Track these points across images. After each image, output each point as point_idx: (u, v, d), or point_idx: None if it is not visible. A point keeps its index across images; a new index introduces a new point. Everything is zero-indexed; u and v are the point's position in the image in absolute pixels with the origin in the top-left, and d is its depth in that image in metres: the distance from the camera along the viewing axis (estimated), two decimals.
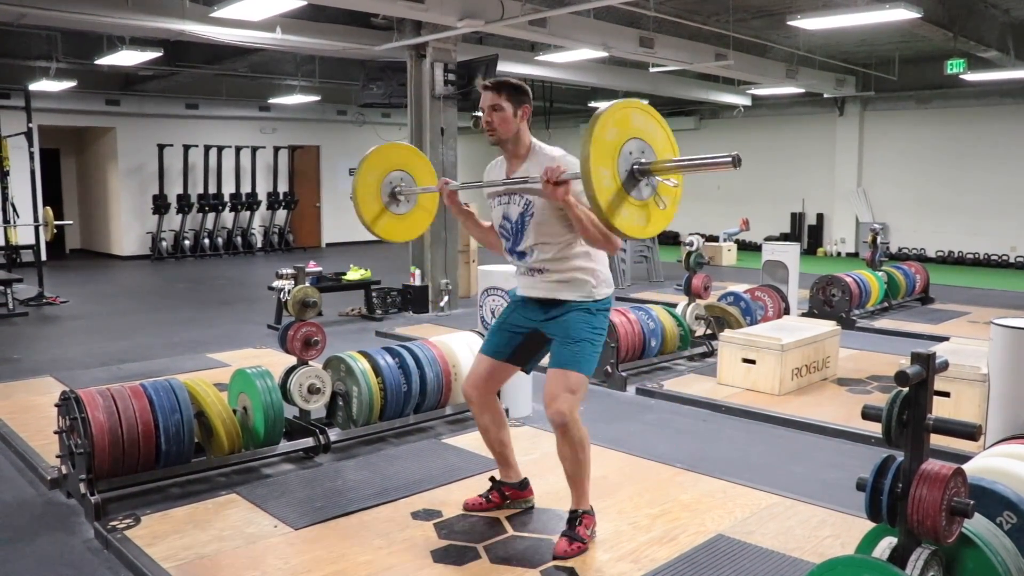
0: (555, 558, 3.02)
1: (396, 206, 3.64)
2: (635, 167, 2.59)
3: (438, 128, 8.87)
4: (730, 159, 2.47)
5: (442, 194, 3.36)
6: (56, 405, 3.69)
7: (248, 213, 16.10)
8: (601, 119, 2.54)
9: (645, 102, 2.74)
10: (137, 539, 3.19)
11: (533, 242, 3.07)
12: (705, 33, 10.19)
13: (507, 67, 10.56)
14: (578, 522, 3.11)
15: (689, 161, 2.60)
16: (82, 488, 3.44)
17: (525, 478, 3.49)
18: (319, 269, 8.63)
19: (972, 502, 1.97)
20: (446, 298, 8.93)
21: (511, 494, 3.46)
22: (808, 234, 16.24)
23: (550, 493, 3.55)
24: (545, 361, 3.21)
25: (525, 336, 3.22)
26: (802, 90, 13.53)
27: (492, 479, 3.50)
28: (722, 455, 4.34)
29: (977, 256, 14.15)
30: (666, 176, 2.68)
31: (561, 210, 2.93)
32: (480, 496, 3.48)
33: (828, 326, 6.02)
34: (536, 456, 4.02)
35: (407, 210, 3.67)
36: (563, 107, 17.00)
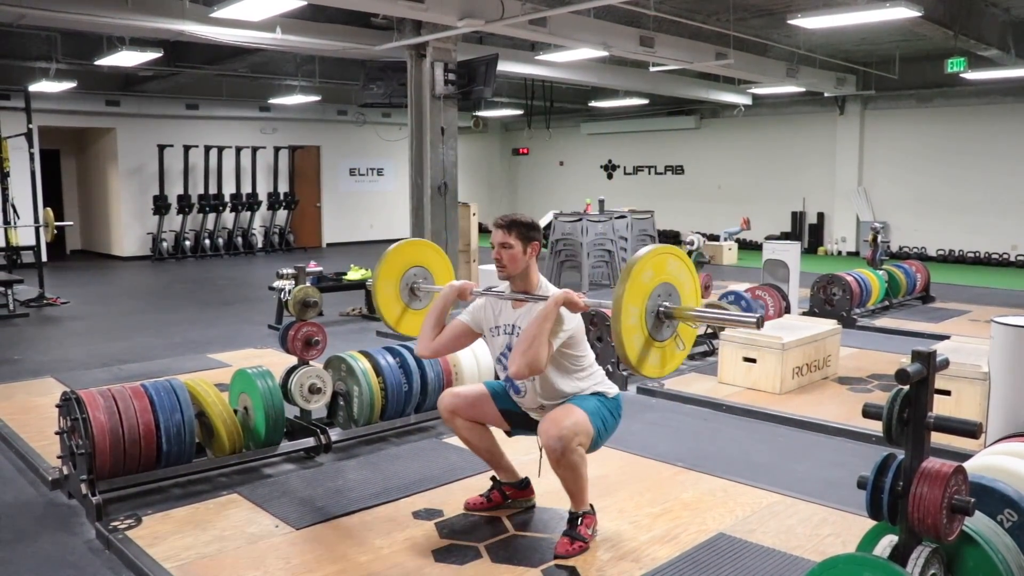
0: (556, 557, 3.02)
1: (416, 302, 3.74)
2: (661, 310, 2.74)
3: (438, 128, 8.87)
4: (755, 320, 2.60)
5: (461, 291, 3.37)
6: (57, 406, 3.69)
7: (248, 213, 16.09)
8: (628, 283, 2.66)
9: (680, 249, 2.91)
10: (138, 539, 3.19)
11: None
12: (705, 32, 10.19)
13: (507, 66, 10.56)
14: (579, 521, 3.12)
15: (712, 314, 2.70)
16: (83, 489, 3.45)
17: (526, 477, 3.49)
18: (320, 269, 8.63)
19: (973, 500, 1.97)
20: None
21: (512, 493, 3.48)
22: (809, 233, 16.23)
23: (551, 492, 3.55)
24: None
25: (525, 413, 3.29)
26: (802, 89, 13.52)
27: (493, 479, 3.51)
28: (723, 454, 4.34)
29: (978, 255, 14.14)
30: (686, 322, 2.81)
31: (555, 354, 3.00)
32: (481, 496, 3.49)
33: (829, 325, 6.02)
34: (536, 455, 4.01)
35: (426, 303, 3.75)
36: (563, 106, 17.00)
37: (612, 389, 3.20)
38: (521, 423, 3.32)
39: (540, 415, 3.14)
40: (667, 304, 2.76)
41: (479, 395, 3.34)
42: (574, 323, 3.05)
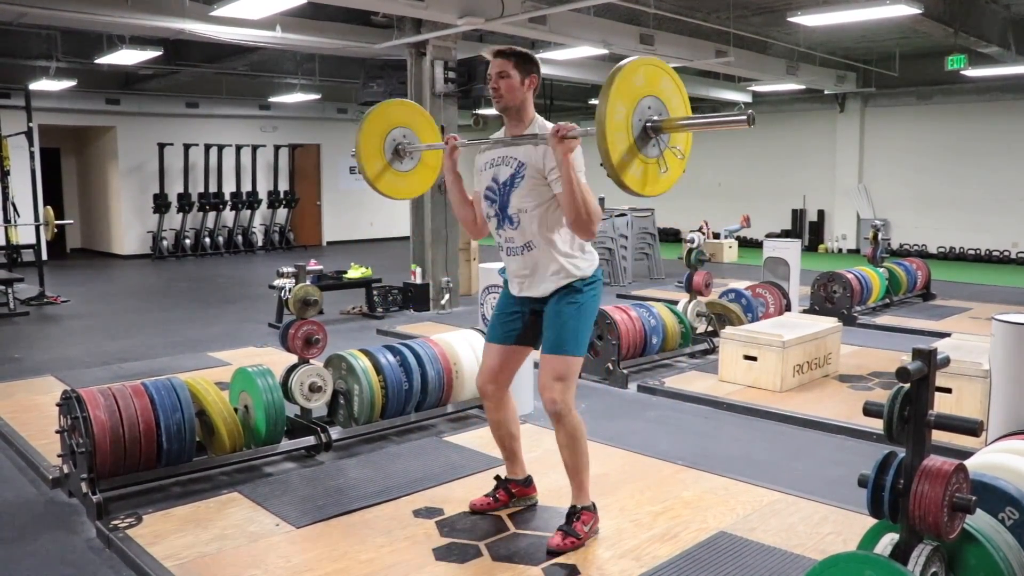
0: (548, 552, 3.02)
1: (399, 163, 3.65)
2: (648, 124, 2.61)
3: (439, 126, 8.84)
4: (744, 117, 2.45)
5: (447, 151, 3.33)
6: (57, 404, 3.69)
7: (249, 212, 16.10)
8: (622, 72, 2.55)
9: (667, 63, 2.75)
10: (139, 538, 3.19)
11: (517, 209, 3.05)
12: (705, 30, 10.18)
13: None
14: (576, 517, 3.11)
15: (701, 120, 2.60)
16: (84, 487, 3.45)
17: (529, 475, 3.49)
18: (320, 267, 8.63)
19: (974, 498, 1.97)
20: (447, 296, 8.93)
21: (517, 491, 3.45)
22: (809, 231, 16.23)
23: (552, 491, 3.55)
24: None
25: (525, 317, 3.22)
26: (803, 86, 13.52)
27: (497, 477, 3.50)
28: (724, 452, 4.34)
29: (978, 252, 14.14)
30: (675, 139, 2.68)
31: (547, 183, 2.96)
32: (487, 496, 3.46)
33: (829, 323, 6.01)
34: (538, 453, 4.02)
35: (410, 167, 3.69)
36: (563, 105, 16.98)
37: (591, 260, 3.12)
38: (533, 331, 3.23)
39: (520, 266, 3.10)
40: (655, 118, 2.62)
41: (495, 353, 3.27)
42: (582, 159, 2.96)
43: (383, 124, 3.63)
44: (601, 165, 2.61)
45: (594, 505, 3.19)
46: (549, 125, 3.04)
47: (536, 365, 3.20)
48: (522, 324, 3.23)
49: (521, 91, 3.05)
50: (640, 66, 2.65)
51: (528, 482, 3.48)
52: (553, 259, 3.05)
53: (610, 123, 2.52)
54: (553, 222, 3.04)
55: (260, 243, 16.25)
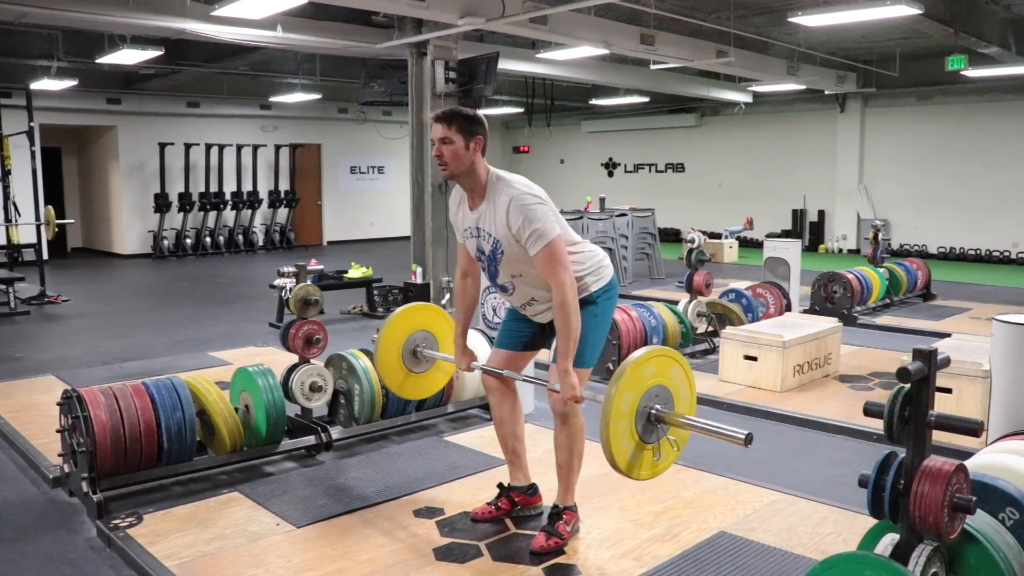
0: (532, 553, 3.02)
1: (416, 366, 3.64)
2: (652, 413, 2.66)
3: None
4: (743, 437, 2.50)
5: (460, 363, 3.35)
6: (58, 404, 3.69)
7: (249, 211, 16.10)
8: (635, 363, 2.60)
9: (679, 353, 2.82)
10: (139, 537, 3.19)
11: (510, 276, 3.06)
12: (706, 30, 10.17)
13: (508, 65, 10.55)
14: (558, 518, 3.11)
15: (701, 425, 2.65)
16: (84, 487, 3.45)
17: (534, 483, 3.41)
18: (320, 267, 8.63)
19: (974, 498, 1.97)
20: (447, 296, 8.92)
21: (520, 500, 3.38)
22: (809, 231, 16.22)
23: (552, 491, 3.53)
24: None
25: (536, 326, 3.23)
26: (803, 87, 13.51)
27: (500, 485, 3.43)
28: (724, 452, 4.33)
29: (979, 252, 14.13)
30: (674, 431, 2.74)
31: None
32: (489, 504, 3.40)
33: (830, 323, 6.01)
34: (538, 453, 4.01)
35: (425, 369, 3.67)
36: (564, 104, 16.98)
37: (601, 276, 3.10)
38: (542, 336, 3.25)
39: (536, 309, 3.11)
40: (659, 408, 2.68)
41: (503, 355, 3.28)
42: (549, 217, 2.89)
43: (403, 330, 3.58)
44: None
45: (575, 505, 3.19)
46: (509, 178, 2.97)
47: (536, 366, 3.21)
48: (531, 331, 3.24)
49: (467, 155, 2.92)
50: (653, 357, 2.69)
51: (533, 491, 3.39)
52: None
53: (615, 410, 2.56)
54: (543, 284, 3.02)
55: (261, 243, 16.25)
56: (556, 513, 3.13)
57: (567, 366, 2.86)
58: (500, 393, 3.31)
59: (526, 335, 3.25)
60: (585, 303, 3.03)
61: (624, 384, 2.58)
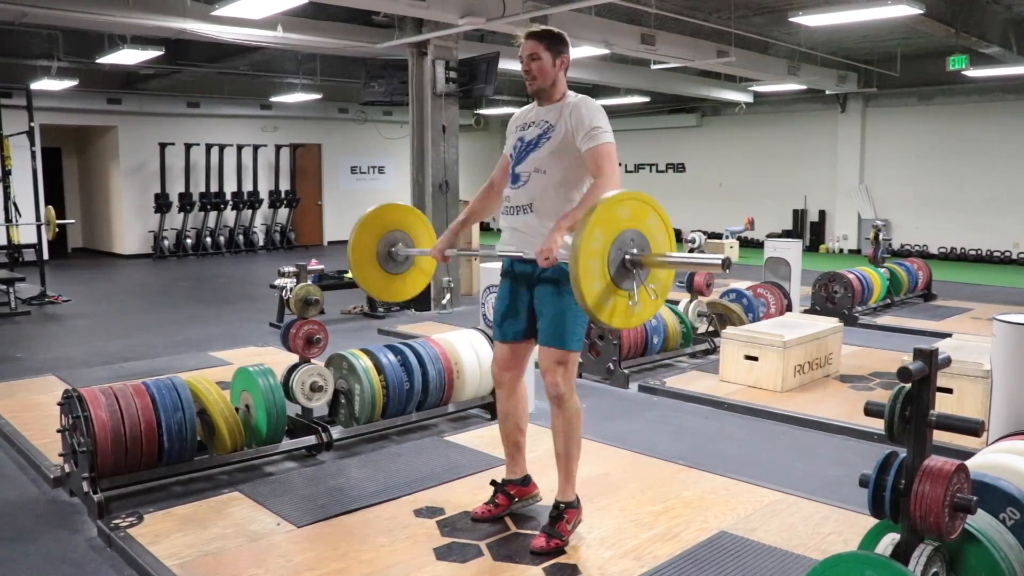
0: (532, 553, 3.02)
1: (390, 265, 3.60)
2: (627, 258, 2.62)
3: (440, 126, 8.87)
4: (720, 262, 2.50)
5: (436, 255, 3.39)
6: (59, 404, 3.69)
7: (250, 211, 16.10)
8: (593, 215, 2.54)
9: (647, 195, 2.76)
10: (140, 537, 3.19)
11: (533, 167, 3.08)
12: (706, 30, 10.18)
13: (509, 65, 10.54)
14: (559, 517, 3.11)
15: (679, 259, 2.63)
16: (85, 486, 3.45)
17: (527, 474, 3.44)
18: (321, 267, 8.63)
19: (975, 498, 1.97)
20: (448, 296, 8.93)
21: (516, 492, 3.40)
22: (810, 231, 16.23)
23: (553, 490, 3.54)
24: None
25: (525, 308, 3.21)
26: (804, 87, 13.51)
27: (494, 482, 3.44)
28: (724, 452, 4.34)
29: (979, 252, 14.13)
30: (654, 278, 2.70)
31: (571, 162, 3.02)
32: (486, 504, 3.40)
33: (830, 323, 6.01)
34: (539, 453, 4.01)
35: (404, 270, 3.63)
36: None
37: None
38: (532, 321, 3.24)
39: (519, 223, 3.11)
40: (635, 252, 2.63)
41: (504, 349, 3.29)
42: (602, 115, 3.08)
43: (378, 228, 3.55)
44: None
45: (578, 499, 3.18)
46: (580, 97, 3.11)
47: (537, 365, 3.21)
48: (524, 321, 3.22)
49: (553, 71, 3.10)
50: (627, 200, 2.65)
51: (527, 480, 3.43)
52: (545, 228, 3.02)
53: (585, 250, 2.51)
54: (561, 194, 3.04)
55: (261, 243, 16.25)
56: (558, 514, 3.12)
57: (562, 225, 2.88)
58: (509, 387, 3.32)
59: (521, 323, 3.23)
60: (565, 280, 2.93)
61: (595, 221, 2.53)
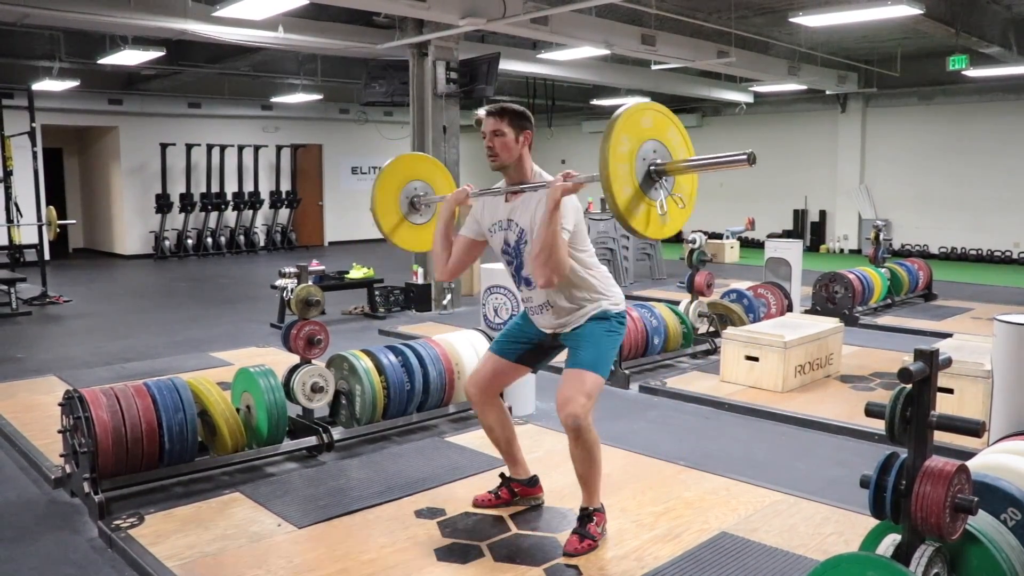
0: (565, 555, 3.02)
1: (415, 216, 3.67)
2: (651, 168, 2.64)
3: (440, 126, 8.88)
4: (745, 157, 2.51)
5: (458, 196, 3.32)
6: (60, 404, 3.70)
7: (251, 212, 16.11)
8: (619, 121, 2.56)
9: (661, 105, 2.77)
10: (141, 538, 3.19)
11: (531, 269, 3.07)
12: (707, 30, 10.17)
13: (509, 65, 10.56)
14: (589, 519, 3.11)
15: (703, 161, 2.63)
16: (86, 487, 3.45)
17: (535, 475, 3.49)
18: (322, 268, 8.64)
19: (976, 499, 1.97)
20: (449, 296, 8.93)
21: (520, 490, 3.47)
22: (811, 231, 16.22)
23: (554, 491, 3.56)
24: (559, 359, 3.22)
25: (536, 345, 3.25)
26: (804, 87, 13.51)
27: (502, 475, 3.51)
28: (725, 452, 4.34)
29: (980, 252, 14.13)
30: (680, 187, 2.72)
31: None
32: (489, 492, 3.49)
33: (831, 323, 6.01)
34: (540, 454, 4.02)
35: (426, 220, 3.69)
36: (565, 105, 16.97)
37: (618, 302, 3.13)
38: (536, 356, 3.27)
39: (547, 320, 3.11)
40: (658, 162, 2.65)
41: (492, 364, 3.30)
42: (572, 214, 2.94)
43: (399, 177, 3.65)
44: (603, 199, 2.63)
45: (603, 506, 3.20)
46: (549, 176, 3.05)
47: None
48: (530, 347, 3.25)
49: (516, 148, 3.06)
50: (648, 109, 2.68)
51: (533, 482, 3.48)
52: (576, 307, 3.07)
53: (614, 153, 2.54)
54: (570, 276, 3.01)
55: (262, 243, 16.26)
56: (586, 515, 3.13)
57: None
58: (482, 404, 3.33)
59: (522, 348, 3.26)
60: (602, 318, 3.07)
61: (621, 126, 2.56)
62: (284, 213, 16.73)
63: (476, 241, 3.27)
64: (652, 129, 2.67)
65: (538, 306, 3.13)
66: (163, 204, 14.93)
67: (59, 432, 3.72)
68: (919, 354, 2.03)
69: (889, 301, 8.70)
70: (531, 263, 2.92)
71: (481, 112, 3.11)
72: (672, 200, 2.71)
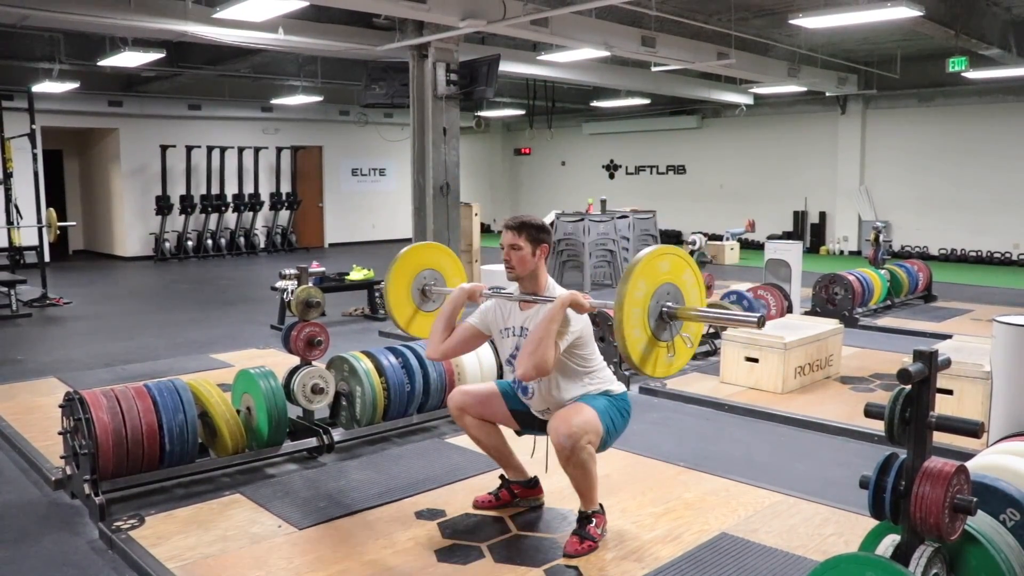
0: (565, 556, 3.03)
1: (427, 304, 3.79)
2: (664, 310, 2.75)
3: (440, 128, 8.88)
4: (756, 319, 2.62)
5: (468, 293, 3.40)
6: (60, 406, 3.70)
7: (251, 214, 16.11)
8: (638, 267, 2.68)
9: (680, 249, 2.91)
10: (141, 539, 3.20)
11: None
12: (707, 32, 10.18)
13: (509, 67, 10.56)
14: (589, 521, 3.12)
15: (713, 314, 2.72)
16: (86, 489, 3.45)
17: (535, 476, 3.50)
18: (322, 269, 8.64)
19: (975, 499, 1.97)
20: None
21: (520, 492, 3.49)
22: (811, 232, 16.22)
23: (554, 492, 3.56)
24: None
25: (531, 414, 3.30)
26: (804, 89, 13.51)
27: (502, 477, 3.53)
28: (725, 454, 4.34)
29: (980, 254, 14.13)
30: (687, 328, 2.82)
31: (559, 355, 2.97)
32: (490, 493, 3.51)
33: (831, 324, 6.01)
34: (540, 455, 4.01)
35: (436, 307, 3.79)
36: (565, 106, 16.98)
37: (619, 387, 3.20)
38: (530, 423, 3.33)
39: (548, 416, 3.14)
40: (671, 304, 2.77)
41: (489, 394, 3.36)
42: (580, 324, 3.04)
43: (410, 268, 3.77)
44: (614, 345, 2.70)
45: (601, 506, 3.21)
46: (561, 291, 3.10)
47: None
48: (526, 411, 3.30)
49: (532, 261, 3.14)
50: (667, 254, 2.79)
51: (533, 483, 3.50)
52: (575, 398, 3.11)
53: (629, 298, 2.64)
54: (571, 379, 3.10)
55: (262, 245, 16.26)
56: (586, 517, 3.14)
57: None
58: (460, 419, 3.38)
59: (520, 407, 3.31)
60: (607, 394, 3.13)
61: (639, 272, 2.66)
62: (284, 215, 16.74)
63: (481, 333, 3.34)
64: (668, 273, 2.77)
65: (539, 411, 3.22)
66: (163, 206, 14.94)
67: (59, 434, 3.73)
68: (918, 355, 2.03)
69: (889, 302, 8.71)
70: (519, 355, 2.99)
71: (502, 224, 3.21)
72: (680, 340, 2.81)
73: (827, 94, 14.57)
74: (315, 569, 2.97)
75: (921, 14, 7.60)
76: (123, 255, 15.31)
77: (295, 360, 4.38)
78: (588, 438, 2.95)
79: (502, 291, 3.31)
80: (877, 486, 2.06)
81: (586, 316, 3.07)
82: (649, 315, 2.71)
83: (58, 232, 9.55)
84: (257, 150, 16.03)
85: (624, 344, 2.64)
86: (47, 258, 10.32)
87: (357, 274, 8.80)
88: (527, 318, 3.17)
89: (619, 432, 3.16)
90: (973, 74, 11.35)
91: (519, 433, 3.44)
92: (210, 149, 15.46)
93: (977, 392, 4.44)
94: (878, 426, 2.11)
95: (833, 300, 7.94)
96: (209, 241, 15.50)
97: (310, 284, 4.51)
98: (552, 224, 11.01)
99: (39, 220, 9.87)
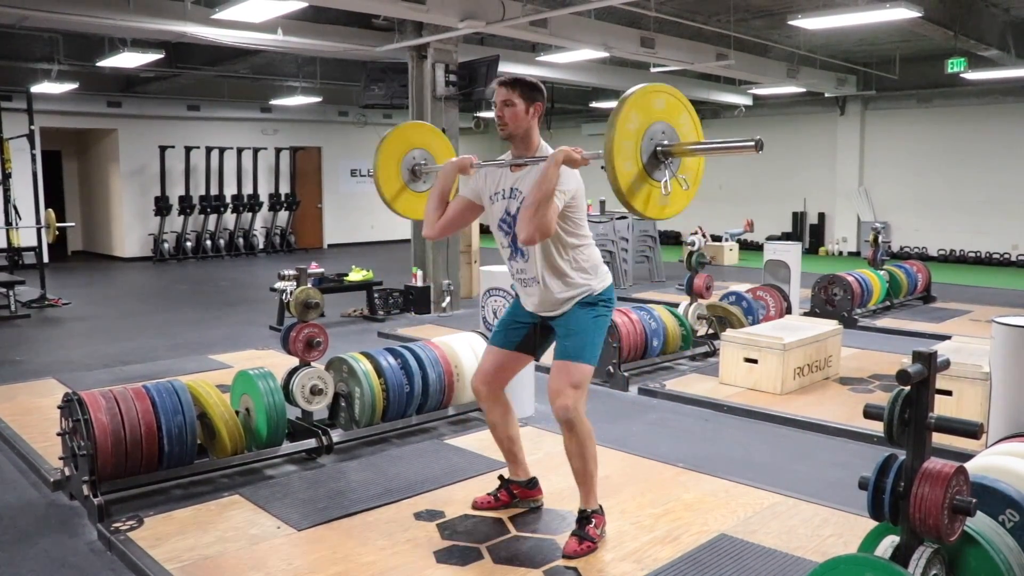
0: (564, 557, 3.03)
1: (416, 183, 3.74)
2: (658, 148, 2.67)
3: (440, 129, 8.87)
4: (753, 143, 2.53)
5: (460, 164, 3.30)
6: (59, 407, 3.69)
7: (250, 214, 16.10)
8: (631, 99, 2.58)
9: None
10: (140, 540, 3.19)
11: None
12: (706, 33, 10.19)
13: (508, 68, 10.56)
14: (587, 522, 3.12)
15: (711, 145, 2.64)
16: (85, 490, 3.45)
17: (534, 477, 3.50)
18: (321, 270, 8.63)
19: (974, 500, 1.97)
20: (448, 299, 8.93)
21: (519, 492, 3.48)
22: (810, 233, 16.23)
23: (553, 493, 3.56)
24: (548, 358, 3.23)
25: (532, 328, 3.26)
26: (803, 89, 13.53)
27: (501, 477, 3.52)
28: (724, 455, 4.34)
29: (979, 255, 14.14)
30: (684, 169, 2.75)
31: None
32: (489, 494, 3.50)
33: (830, 325, 6.02)
34: (540, 456, 4.02)
35: (427, 187, 3.76)
36: (564, 107, 17.02)
37: (603, 283, 3.15)
38: (534, 341, 3.28)
39: (538, 298, 3.11)
40: (665, 143, 2.67)
41: (493, 357, 3.32)
42: (574, 183, 2.97)
43: (401, 146, 3.73)
44: (602, 167, 2.63)
45: (601, 507, 3.21)
46: (552, 150, 3.05)
47: (537, 369, 3.22)
48: (527, 333, 3.27)
49: (526, 119, 3.10)
50: (662, 92, 2.70)
51: (532, 484, 3.49)
52: (564, 287, 3.09)
53: (620, 130, 2.55)
54: (560, 251, 3.06)
55: (261, 246, 16.26)
56: (584, 517, 3.14)
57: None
58: (489, 400, 3.35)
59: (519, 335, 3.28)
60: (589, 304, 3.10)
61: (632, 104, 2.57)
62: (283, 215, 16.73)
63: (473, 204, 3.27)
64: (664, 111, 2.69)
65: (530, 278, 3.13)
66: (162, 206, 14.93)
67: (58, 435, 3.72)
68: (917, 356, 2.03)
69: (888, 303, 8.71)
70: (519, 219, 2.93)
71: (495, 82, 3.17)
72: (676, 181, 2.72)
73: (826, 95, 14.59)
74: (314, 570, 2.97)
75: (920, 15, 7.61)
76: (122, 256, 15.30)
77: (294, 361, 4.38)
78: (582, 394, 3.03)
79: (493, 161, 3.23)
80: (876, 487, 2.06)
81: (579, 178, 3.01)
82: (642, 152, 2.61)
83: (57, 233, 9.54)
84: (256, 151, 16.03)
85: (614, 175, 2.54)
86: (46, 259, 10.32)
87: (356, 275, 8.79)
88: (517, 179, 3.11)
89: (605, 332, 3.17)
90: (972, 75, 11.37)
91: (537, 359, 3.43)
92: (209, 150, 15.46)
93: (976, 393, 4.44)
94: (877, 427, 2.11)
95: (832, 301, 7.95)
96: (208, 242, 15.49)
97: (309, 285, 4.51)
98: None
99: (38, 221, 9.86)
